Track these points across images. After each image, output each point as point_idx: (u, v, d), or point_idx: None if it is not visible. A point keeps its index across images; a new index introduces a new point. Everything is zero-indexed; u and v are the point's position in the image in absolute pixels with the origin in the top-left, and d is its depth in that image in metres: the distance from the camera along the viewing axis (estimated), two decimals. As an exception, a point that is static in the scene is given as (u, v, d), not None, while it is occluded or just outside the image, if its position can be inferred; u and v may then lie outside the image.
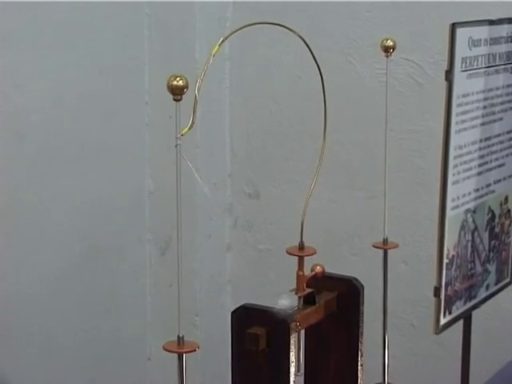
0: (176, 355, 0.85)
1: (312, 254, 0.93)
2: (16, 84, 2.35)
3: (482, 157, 1.36)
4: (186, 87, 0.84)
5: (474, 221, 1.35)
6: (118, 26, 2.60)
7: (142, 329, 2.66)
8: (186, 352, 0.82)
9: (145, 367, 2.72)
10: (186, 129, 0.94)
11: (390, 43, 1.03)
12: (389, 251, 1.11)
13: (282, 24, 1.00)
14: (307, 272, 0.93)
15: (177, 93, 0.84)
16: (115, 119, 2.62)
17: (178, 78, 0.82)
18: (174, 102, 0.90)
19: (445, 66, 1.27)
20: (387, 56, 1.03)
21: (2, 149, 2.33)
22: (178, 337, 0.82)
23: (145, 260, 2.76)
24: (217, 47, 0.96)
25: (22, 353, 2.42)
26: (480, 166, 1.36)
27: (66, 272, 2.52)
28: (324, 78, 2.45)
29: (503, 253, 1.45)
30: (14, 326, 2.40)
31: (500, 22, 1.38)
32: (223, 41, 0.96)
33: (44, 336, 2.47)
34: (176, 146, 0.93)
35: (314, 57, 1.03)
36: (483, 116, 1.35)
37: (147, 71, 2.66)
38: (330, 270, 1.06)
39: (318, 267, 0.99)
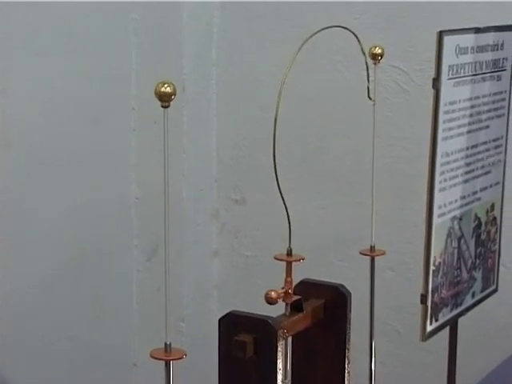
0: (163, 362, 0.85)
1: (300, 260, 0.93)
2: (2, 90, 2.35)
3: (468, 164, 1.36)
4: (174, 94, 0.84)
5: (460, 228, 1.35)
6: (105, 32, 2.59)
7: (129, 334, 2.65)
8: (173, 359, 0.81)
9: (130, 373, 2.72)
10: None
11: (378, 51, 1.04)
12: (376, 258, 1.11)
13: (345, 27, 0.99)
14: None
15: (165, 99, 0.83)
16: (102, 125, 2.61)
17: (165, 85, 0.82)
18: (160, 108, 0.90)
19: (431, 73, 1.27)
20: (375, 63, 1.03)
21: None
22: (166, 344, 0.82)
23: (131, 266, 2.75)
24: (297, 52, 0.94)
25: (9, 358, 2.42)
26: (466, 173, 1.36)
27: (53, 278, 2.51)
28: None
29: (489, 260, 1.46)
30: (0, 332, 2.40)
31: (486, 30, 1.38)
32: (299, 49, 0.94)
33: (31, 340, 2.46)
34: (164, 152, 0.93)
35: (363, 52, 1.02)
36: (470, 124, 1.35)
37: (134, 77, 2.65)
38: (317, 276, 1.06)
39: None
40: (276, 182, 0.94)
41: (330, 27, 0.99)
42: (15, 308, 2.41)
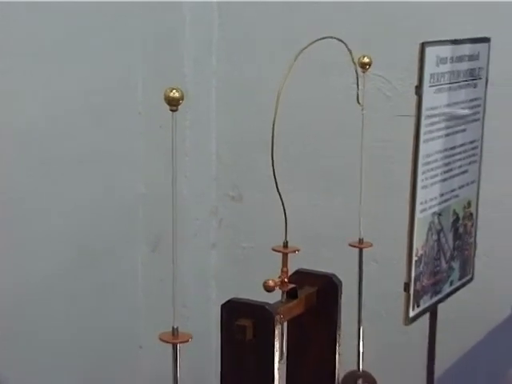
0: (167, 345, 0.84)
1: (295, 251, 0.93)
2: (17, 96, 2.33)
3: (447, 164, 1.36)
4: (182, 98, 0.83)
5: (440, 222, 1.35)
6: (115, 44, 2.58)
7: (135, 319, 2.65)
8: (180, 342, 0.81)
9: (136, 354, 2.71)
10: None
11: (366, 60, 1.04)
12: (364, 250, 1.11)
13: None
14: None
15: (173, 104, 0.83)
16: (111, 128, 2.61)
17: (174, 91, 0.82)
18: (165, 113, 0.90)
19: (411, 81, 1.27)
20: (364, 72, 1.03)
21: (4, 157, 2.32)
22: (173, 328, 0.82)
23: (137, 257, 2.75)
24: (292, 63, 0.94)
25: (21, 344, 2.41)
26: (445, 172, 1.36)
27: (65, 268, 2.50)
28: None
29: (466, 252, 1.46)
30: (13, 322, 2.39)
31: (462, 41, 1.38)
32: (296, 57, 0.94)
33: (43, 328, 2.45)
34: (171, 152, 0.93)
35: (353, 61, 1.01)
36: (448, 127, 1.35)
37: (141, 84, 2.65)
38: (310, 266, 1.06)
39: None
40: (274, 181, 0.94)
41: (325, 38, 0.99)
42: (30, 297, 2.41)
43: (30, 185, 2.39)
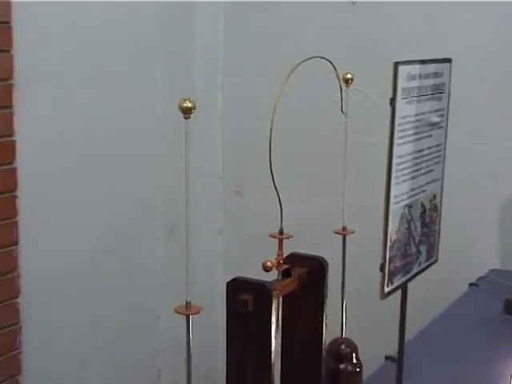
0: (181, 316, 0.83)
1: (289, 238, 0.91)
2: (59, 108, 2.34)
3: (416, 164, 1.34)
4: (194, 108, 0.82)
5: (410, 213, 1.33)
6: (139, 64, 2.60)
7: (154, 294, 2.64)
8: (192, 314, 0.80)
9: (155, 323, 2.70)
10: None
11: (349, 76, 1.02)
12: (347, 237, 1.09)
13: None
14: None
15: (186, 112, 0.81)
16: (134, 134, 2.62)
17: (187, 101, 0.80)
18: (178, 121, 0.88)
19: (384, 95, 1.25)
20: (347, 86, 1.01)
21: (48, 158, 2.33)
22: (186, 302, 0.80)
23: (156, 240, 2.75)
24: (287, 79, 0.92)
25: (59, 311, 2.42)
26: (415, 171, 1.34)
27: (98, 249, 2.52)
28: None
29: (431, 238, 1.44)
30: (58, 292, 2.39)
31: (429, 61, 1.37)
32: (290, 73, 0.92)
33: (81, 296, 2.49)
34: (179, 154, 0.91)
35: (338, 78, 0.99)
36: (417, 133, 1.33)
37: (160, 98, 2.64)
38: (301, 251, 1.04)
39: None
40: (272, 179, 0.92)
41: (314, 57, 0.97)
42: (70, 272, 2.43)
43: (68, 180, 2.41)
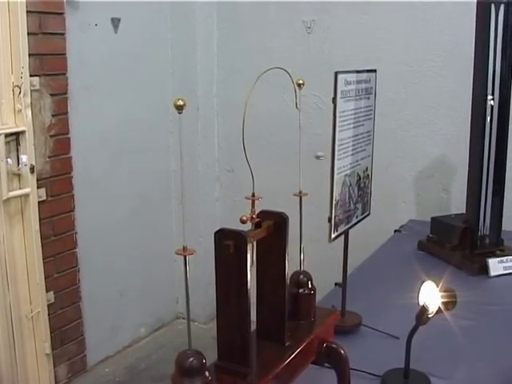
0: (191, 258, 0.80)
1: (259, 199, 0.88)
2: (99, 110, 2.32)
3: (353, 145, 1.32)
4: (185, 105, 0.78)
5: (349, 181, 1.31)
6: (156, 79, 2.57)
7: (171, 244, 2.61)
8: (188, 255, 0.77)
9: (172, 265, 2.68)
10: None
11: (300, 81, 0.98)
12: (303, 198, 1.06)
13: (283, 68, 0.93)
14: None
15: (179, 108, 0.77)
16: (154, 130, 2.60)
17: (180, 100, 0.76)
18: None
19: (330, 95, 1.22)
20: (300, 88, 0.98)
21: (92, 149, 2.31)
22: (183, 246, 0.77)
23: (171, 207, 2.73)
24: (250, 91, 0.88)
25: (104, 256, 2.41)
26: (352, 150, 1.31)
27: (129, 212, 2.51)
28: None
29: (365, 198, 1.42)
30: (101, 243, 2.38)
31: (361, 71, 1.34)
32: (256, 80, 0.88)
33: (116, 247, 2.47)
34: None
35: (295, 89, 0.96)
36: (353, 123, 1.31)
37: (171, 102, 2.61)
38: (269, 208, 1.01)
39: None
40: (246, 160, 0.89)
41: (274, 68, 0.94)
42: (106, 233, 2.41)
43: (108, 165, 2.40)
